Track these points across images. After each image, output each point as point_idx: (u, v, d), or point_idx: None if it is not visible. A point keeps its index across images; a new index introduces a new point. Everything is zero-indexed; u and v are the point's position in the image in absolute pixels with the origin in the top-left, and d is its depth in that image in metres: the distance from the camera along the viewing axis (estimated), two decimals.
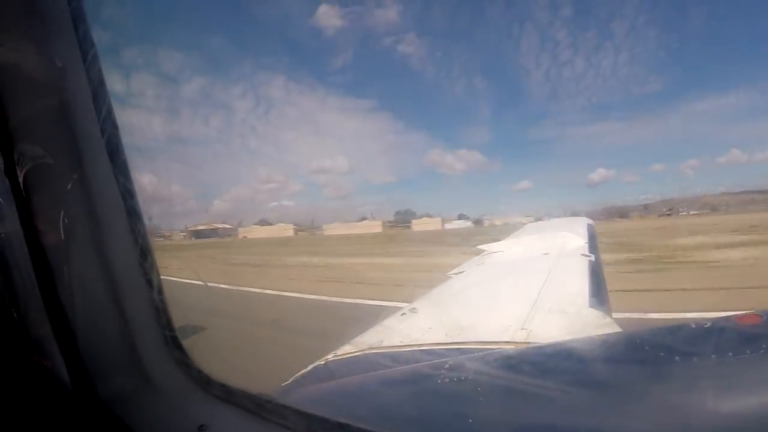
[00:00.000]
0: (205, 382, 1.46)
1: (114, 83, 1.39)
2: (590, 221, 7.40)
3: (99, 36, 1.33)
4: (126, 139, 1.38)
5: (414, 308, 3.25)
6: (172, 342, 1.46)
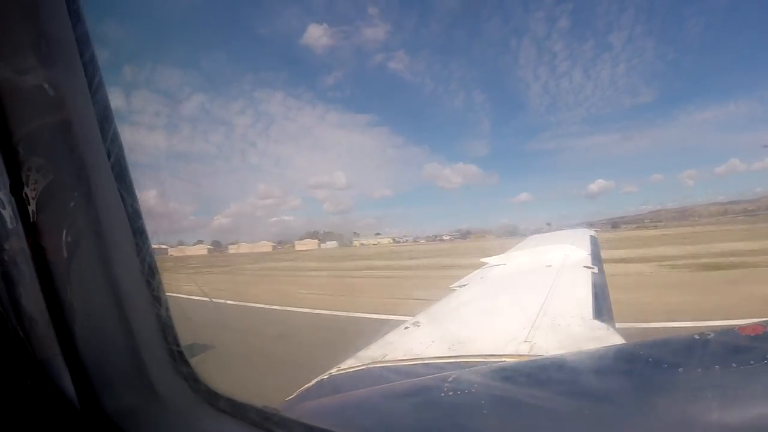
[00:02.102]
0: (211, 397, 1.46)
1: (117, 101, 1.40)
2: (593, 233, 7.39)
3: (103, 56, 1.34)
4: (128, 157, 1.39)
5: (417, 322, 3.24)
6: (179, 357, 1.46)
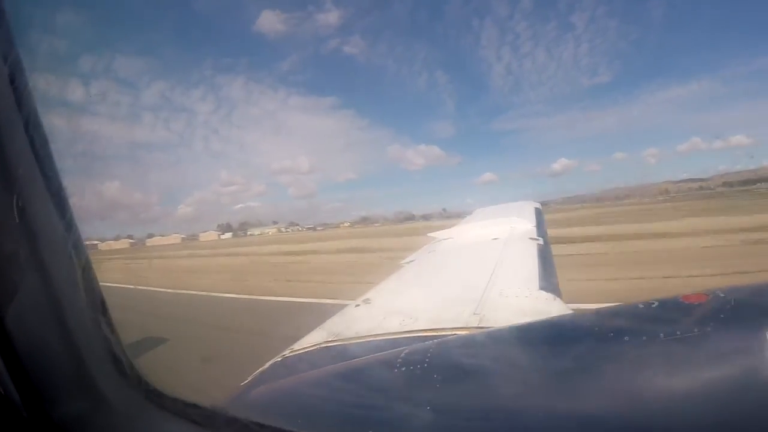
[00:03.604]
0: (157, 398, 1.43)
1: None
2: (538, 205, 7.57)
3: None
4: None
5: (368, 299, 3.25)
6: (123, 360, 1.43)
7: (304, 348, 2.34)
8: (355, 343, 2.30)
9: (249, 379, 2.06)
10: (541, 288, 3.01)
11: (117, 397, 1.36)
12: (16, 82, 1.23)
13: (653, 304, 1.21)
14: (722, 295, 1.15)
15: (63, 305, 1.29)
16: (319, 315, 2.94)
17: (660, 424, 0.93)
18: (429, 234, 6.56)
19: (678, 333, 1.04)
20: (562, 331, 1.44)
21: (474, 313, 2.55)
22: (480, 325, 2.36)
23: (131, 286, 18.48)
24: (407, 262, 4.96)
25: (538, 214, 6.54)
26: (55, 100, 1.32)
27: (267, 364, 2.20)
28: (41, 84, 1.32)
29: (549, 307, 2.61)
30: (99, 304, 1.41)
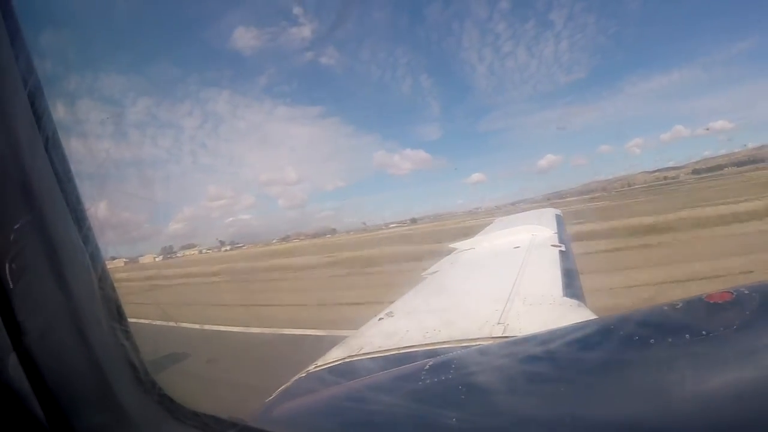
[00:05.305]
0: (179, 412, 1.44)
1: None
2: (558, 212, 7.51)
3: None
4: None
5: (391, 312, 3.24)
6: (144, 374, 1.44)
7: (327, 363, 2.34)
8: (379, 357, 2.29)
9: (273, 395, 2.06)
10: (565, 295, 2.98)
11: (137, 409, 1.38)
12: (35, 104, 1.27)
13: (677, 305, 1.19)
14: (747, 292, 1.13)
15: (83, 318, 1.31)
16: None
17: (690, 426, 0.91)
18: (450, 245, 6.53)
19: (704, 333, 1.03)
20: (588, 337, 1.42)
21: (498, 323, 2.54)
22: (505, 335, 2.34)
23: None
24: (429, 274, 4.94)
25: (559, 220, 6.49)
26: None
27: (291, 380, 2.21)
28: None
29: (573, 314, 2.57)
30: (116, 312, 1.43)
